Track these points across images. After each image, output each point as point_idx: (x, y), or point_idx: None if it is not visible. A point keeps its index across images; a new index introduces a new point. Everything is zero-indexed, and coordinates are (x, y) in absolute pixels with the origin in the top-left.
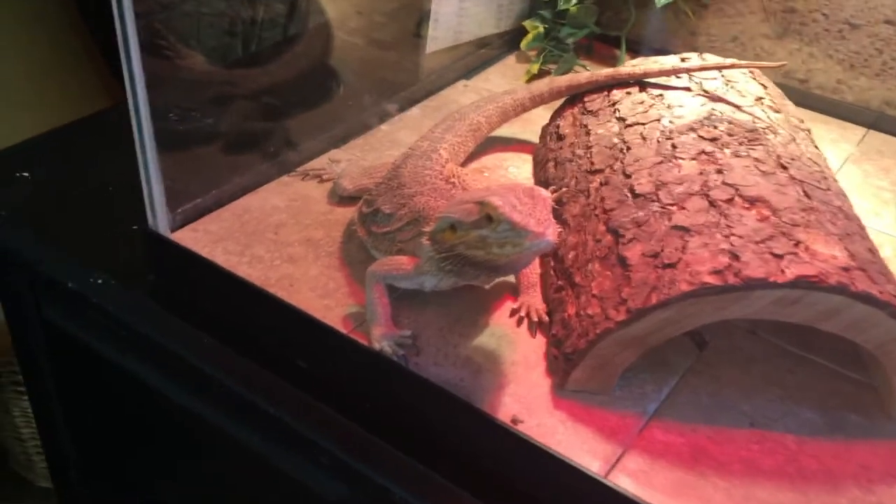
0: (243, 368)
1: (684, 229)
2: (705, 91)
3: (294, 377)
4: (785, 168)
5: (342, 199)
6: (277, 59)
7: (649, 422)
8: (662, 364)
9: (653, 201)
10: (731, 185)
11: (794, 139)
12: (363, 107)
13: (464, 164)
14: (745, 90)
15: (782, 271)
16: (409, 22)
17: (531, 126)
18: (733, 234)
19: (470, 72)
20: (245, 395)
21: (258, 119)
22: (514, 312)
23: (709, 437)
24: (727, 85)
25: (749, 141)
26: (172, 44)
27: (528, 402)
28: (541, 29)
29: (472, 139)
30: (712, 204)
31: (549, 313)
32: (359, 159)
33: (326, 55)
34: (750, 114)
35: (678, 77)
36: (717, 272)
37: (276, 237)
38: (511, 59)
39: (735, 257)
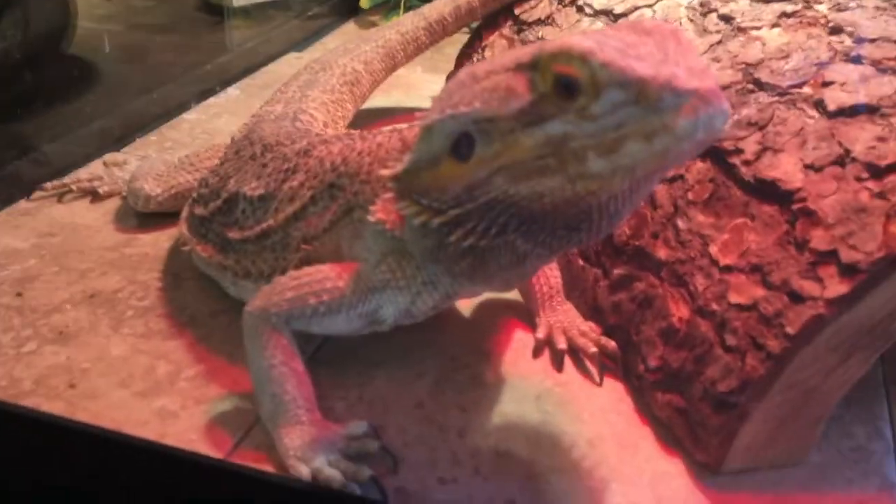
0: None
1: (868, 108)
2: None
3: None
4: None
5: (145, 217)
6: None
7: None
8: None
9: (752, 91)
10: (881, 40)
11: None
12: (143, 94)
13: None
14: None
15: None
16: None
17: (417, 90)
18: None
19: (299, 43)
20: None
21: None
22: (540, 347)
23: None
24: None
25: None
26: None
27: None
28: None
29: (350, 96)
30: (880, 68)
31: (609, 332)
32: (159, 156)
33: (61, 40)
34: None
35: None
36: None
37: (23, 301)
38: (349, 26)
39: None
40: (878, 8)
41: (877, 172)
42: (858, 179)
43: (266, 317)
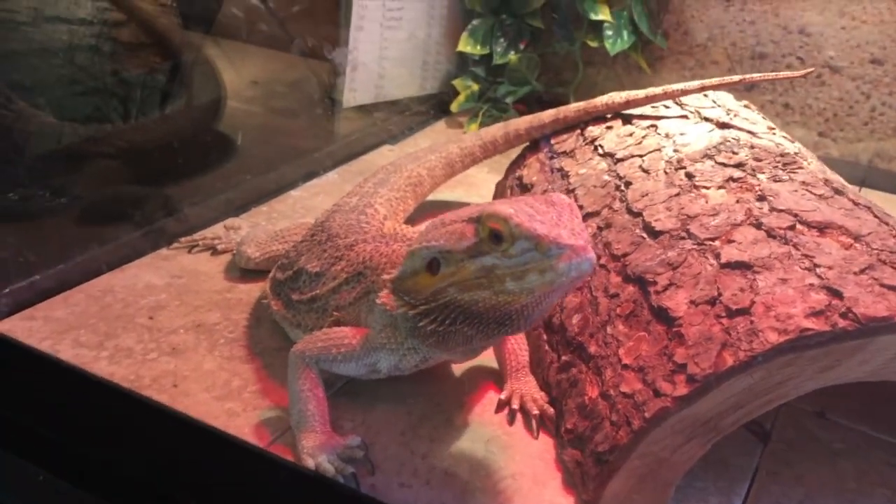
0: None
1: (744, 265)
2: (706, 118)
3: None
4: (840, 192)
5: (246, 272)
6: (152, 119)
7: None
8: (721, 465)
9: (682, 238)
10: (785, 212)
11: (826, 169)
12: (265, 172)
13: None
14: (752, 118)
15: None
16: (314, 89)
17: (477, 189)
18: (819, 266)
19: (394, 137)
20: None
21: (125, 183)
22: (501, 405)
23: None
24: (729, 114)
25: (785, 165)
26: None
27: None
28: (474, 88)
29: (413, 195)
30: (770, 234)
31: (552, 402)
32: (264, 226)
33: (214, 118)
34: (770, 140)
35: (667, 107)
36: (817, 314)
37: (153, 323)
38: (440, 125)
39: (834, 294)
40: (803, 183)
41: (730, 314)
42: (717, 317)
43: (303, 357)
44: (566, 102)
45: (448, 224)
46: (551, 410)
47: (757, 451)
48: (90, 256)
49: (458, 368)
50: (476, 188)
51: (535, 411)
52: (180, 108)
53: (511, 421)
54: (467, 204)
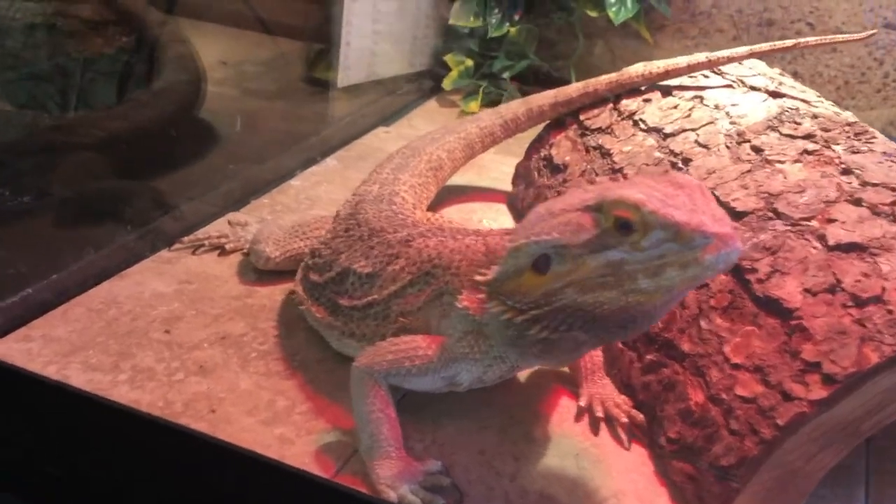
0: None
1: (858, 247)
2: (753, 87)
3: None
4: None
5: (262, 274)
6: (124, 104)
7: None
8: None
9: (770, 219)
10: (881, 186)
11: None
12: (260, 161)
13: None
14: (797, 86)
15: None
16: (291, 69)
17: (488, 171)
18: None
19: (387, 118)
20: None
21: (101, 177)
22: (581, 413)
23: None
24: (773, 82)
25: (857, 135)
26: None
27: None
28: (468, 64)
29: (434, 180)
30: (875, 212)
31: (638, 406)
32: (275, 220)
33: (195, 103)
34: (825, 109)
35: (706, 77)
36: None
37: (171, 338)
38: (432, 104)
39: None
40: (885, 154)
41: (859, 302)
42: (844, 306)
43: (370, 372)
44: (566, 77)
45: (558, 214)
46: (640, 417)
47: (861, 448)
48: (88, 264)
49: (521, 374)
50: (487, 171)
51: (624, 418)
52: (156, 92)
53: (596, 430)
54: (483, 188)
